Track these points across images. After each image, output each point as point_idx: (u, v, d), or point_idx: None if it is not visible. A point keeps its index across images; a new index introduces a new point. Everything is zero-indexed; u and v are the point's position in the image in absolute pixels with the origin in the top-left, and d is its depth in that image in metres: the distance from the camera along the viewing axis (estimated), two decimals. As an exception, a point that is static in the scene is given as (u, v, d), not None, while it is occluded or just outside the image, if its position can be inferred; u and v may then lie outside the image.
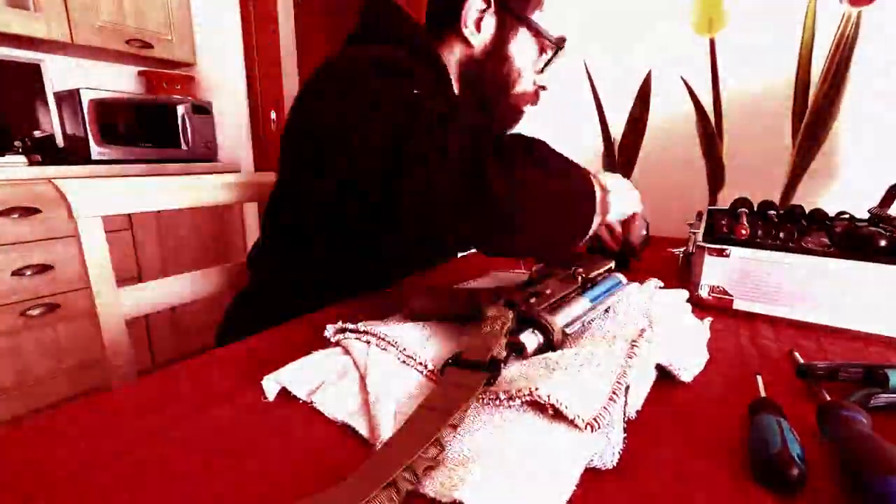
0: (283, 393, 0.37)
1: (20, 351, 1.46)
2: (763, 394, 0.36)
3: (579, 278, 0.48)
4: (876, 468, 0.25)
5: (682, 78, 0.92)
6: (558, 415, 0.30)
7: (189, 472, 0.28)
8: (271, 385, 0.37)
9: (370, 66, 0.51)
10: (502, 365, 0.36)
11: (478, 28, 0.61)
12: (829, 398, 0.35)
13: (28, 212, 1.42)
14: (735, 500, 0.26)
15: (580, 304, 0.44)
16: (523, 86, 0.66)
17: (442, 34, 0.63)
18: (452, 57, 0.63)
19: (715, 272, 0.58)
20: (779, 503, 0.26)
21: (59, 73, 1.85)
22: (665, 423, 0.34)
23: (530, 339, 0.39)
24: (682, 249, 0.71)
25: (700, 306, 0.58)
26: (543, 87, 0.69)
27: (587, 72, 1.01)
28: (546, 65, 0.67)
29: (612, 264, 0.55)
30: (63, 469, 0.29)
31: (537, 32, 0.63)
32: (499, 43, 0.62)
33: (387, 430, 0.30)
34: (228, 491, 0.27)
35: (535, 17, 0.63)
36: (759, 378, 0.38)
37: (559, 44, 0.64)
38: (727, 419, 0.34)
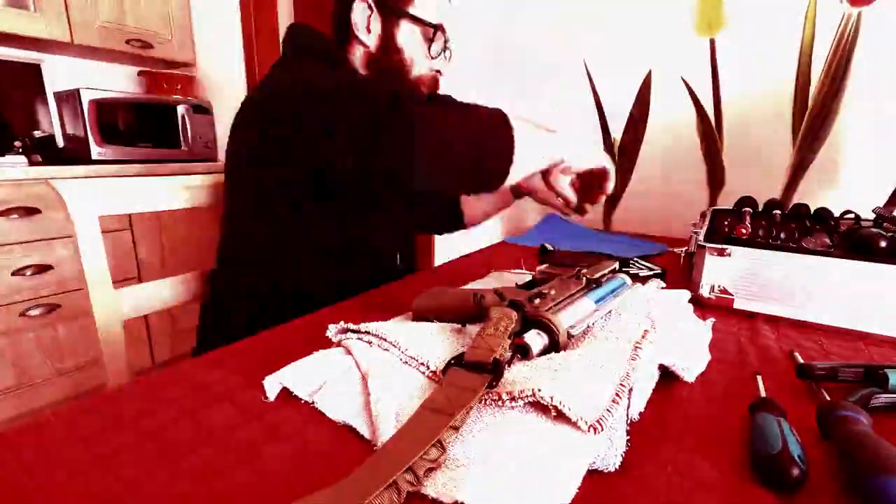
0: (285, 393, 0.37)
1: (20, 351, 1.46)
2: (763, 394, 0.36)
3: (583, 279, 0.48)
4: (876, 468, 0.25)
5: (682, 78, 0.92)
6: (561, 416, 0.30)
7: (189, 473, 0.28)
8: (272, 385, 0.37)
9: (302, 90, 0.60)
10: (506, 366, 0.36)
11: (368, 30, 0.72)
12: (829, 398, 0.35)
13: (28, 212, 1.42)
14: (735, 499, 0.26)
15: (585, 305, 0.44)
16: (417, 70, 0.75)
17: (346, 42, 0.75)
18: (357, 58, 0.75)
19: (716, 272, 0.58)
20: (779, 503, 0.26)
21: (59, 73, 1.85)
22: (666, 424, 0.34)
23: (535, 340, 0.39)
24: (683, 249, 0.71)
25: (701, 305, 0.58)
26: (439, 72, 0.78)
27: (587, 72, 1.01)
28: (440, 51, 0.75)
29: (617, 265, 0.55)
30: (63, 469, 0.29)
31: (417, 21, 0.72)
32: (387, 37, 0.73)
33: (388, 431, 0.30)
34: (229, 491, 0.27)
35: (419, 7, 0.72)
36: (760, 378, 0.38)
37: (437, 28, 0.73)
38: (728, 419, 0.34)
